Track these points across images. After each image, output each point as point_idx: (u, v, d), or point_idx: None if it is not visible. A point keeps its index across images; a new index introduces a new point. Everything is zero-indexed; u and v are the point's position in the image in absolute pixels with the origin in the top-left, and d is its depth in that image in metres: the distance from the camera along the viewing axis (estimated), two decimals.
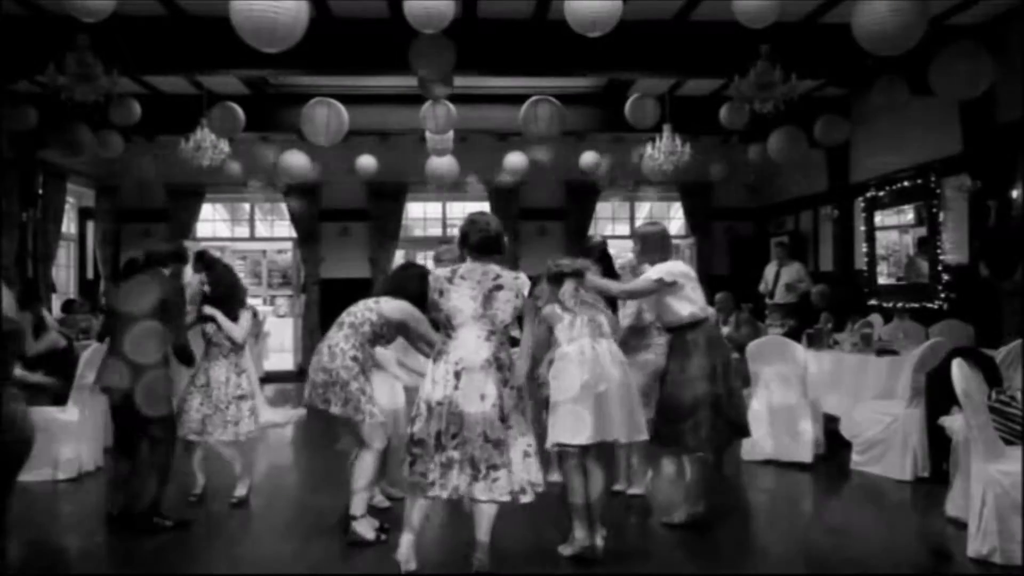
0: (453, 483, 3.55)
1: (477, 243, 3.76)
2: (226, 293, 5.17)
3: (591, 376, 3.96)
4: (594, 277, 4.34)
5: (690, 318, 4.50)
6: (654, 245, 4.68)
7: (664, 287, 4.45)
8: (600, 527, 4.06)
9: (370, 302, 4.42)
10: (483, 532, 3.70)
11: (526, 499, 3.61)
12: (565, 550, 4.07)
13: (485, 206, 12.59)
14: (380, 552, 4.23)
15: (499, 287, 3.68)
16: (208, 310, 5.07)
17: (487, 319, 3.66)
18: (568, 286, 4.18)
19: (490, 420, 3.55)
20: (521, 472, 3.61)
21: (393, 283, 4.60)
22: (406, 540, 3.78)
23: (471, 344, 3.63)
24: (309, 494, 5.52)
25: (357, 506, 4.32)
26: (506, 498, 3.58)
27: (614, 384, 4.01)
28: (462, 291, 3.68)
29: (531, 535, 4.43)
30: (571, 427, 3.94)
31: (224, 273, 5.34)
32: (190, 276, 5.76)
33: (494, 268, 3.73)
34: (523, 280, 3.78)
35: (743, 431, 4.74)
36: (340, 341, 4.27)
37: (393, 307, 4.36)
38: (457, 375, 3.59)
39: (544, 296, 4.24)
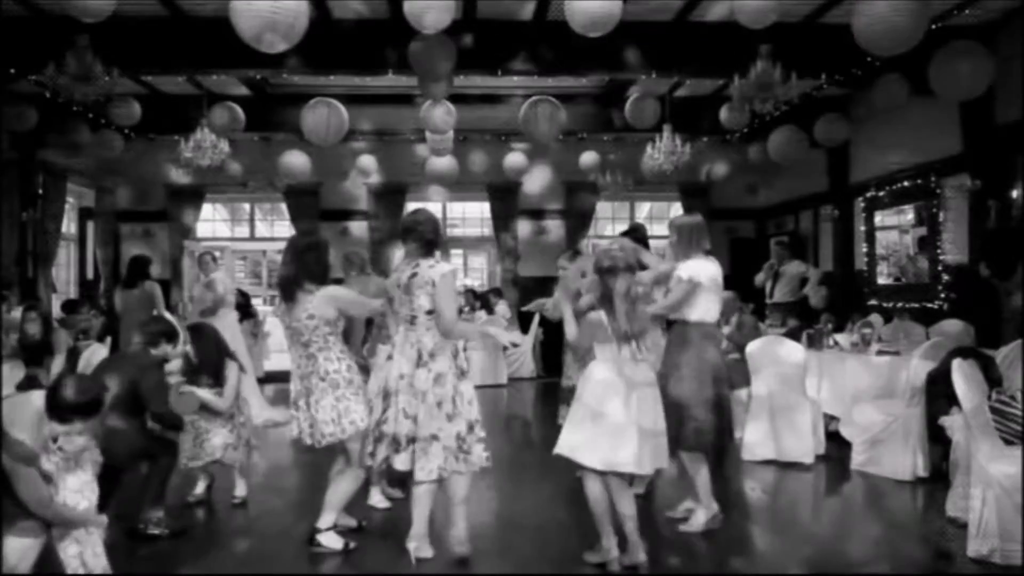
0: (381, 454, 3.96)
1: (414, 248, 4.06)
2: (215, 363, 5.08)
3: (619, 403, 3.81)
4: (643, 275, 4.35)
5: (697, 320, 4.51)
6: (687, 237, 4.64)
7: (693, 289, 4.46)
8: (642, 541, 3.94)
9: (300, 314, 4.13)
10: (458, 530, 4.03)
11: (419, 476, 3.89)
12: (591, 557, 4.01)
13: (485, 206, 12.61)
14: (382, 551, 4.24)
15: (414, 275, 3.96)
16: (186, 390, 4.92)
17: (407, 306, 3.97)
18: (621, 283, 3.90)
19: (407, 397, 3.90)
20: (431, 453, 3.86)
21: (300, 272, 4.17)
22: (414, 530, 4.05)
23: (401, 329, 4.02)
24: (309, 494, 5.51)
25: (325, 520, 4.21)
26: (419, 475, 3.88)
27: (642, 413, 3.84)
28: (392, 282, 4.07)
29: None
30: (585, 447, 3.82)
31: (209, 343, 5.15)
32: (192, 283, 5.65)
33: (416, 259, 4.03)
34: (438, 269, 3.96)
35: (726, 437, 4.69)
36: (308, 366, 4.16)
37: (320, 303, 4.10)
38: (389, 357, 4.03)
39: (593, 290, 4.02)
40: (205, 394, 4.98)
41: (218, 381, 5.05)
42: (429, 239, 4.05)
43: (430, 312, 3.92)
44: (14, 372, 5.98)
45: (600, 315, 3.95)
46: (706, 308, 4.51)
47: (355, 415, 4.10)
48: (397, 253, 12.77)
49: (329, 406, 4.09)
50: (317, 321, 4.12)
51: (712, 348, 4.54)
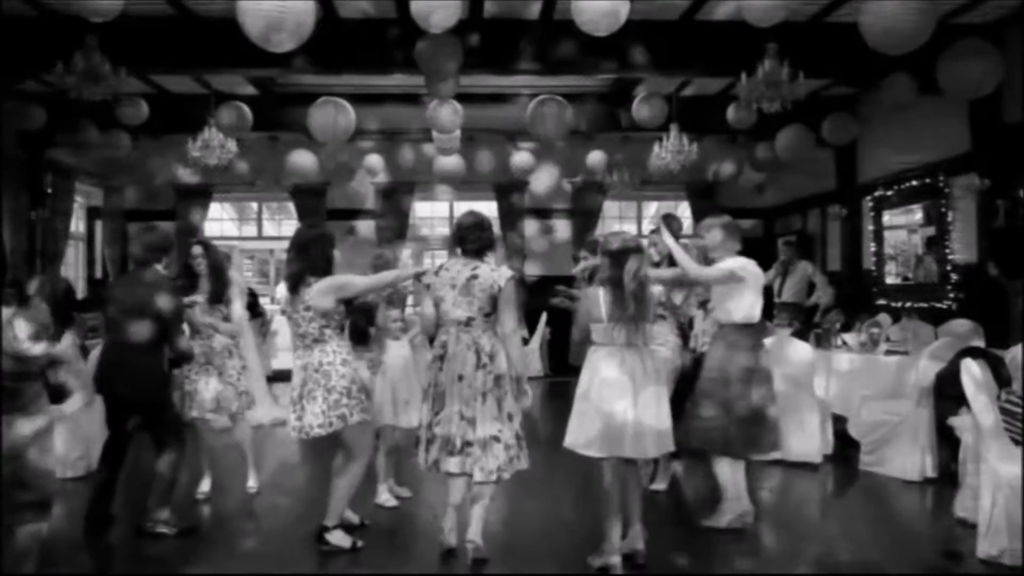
0: (433, 456, 3.94)
1: (475, 250, 4.05)
2: (221, 282, 5.11)
3: (618, 388, 3.80)
4: (671, 242, 4.55)
5: (742, 320, 4.51)
6: (731, 236, 4.71)
7: (733, 280, 4.47)
8: (642, 529, 3.95)
9: (299, 305, 4.16)
10: (474, 532, 3.98)
11: (479, 477, 3.88)
12: (595, 561, 3.94)
13: (492, 205, 12.60)
14: (390, 550, 4.24)
15: (475, 277, 3.95)
16: (205, 315, 4.99)
17: (463, 308, 3.94)
18: (632, 263, 3.88)
19: (465, 399, 3.88)
20: (491, 454, 3.86)
21: (304, 266, 4.17)
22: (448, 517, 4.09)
23: (452, 330, 3.97)
24: (317, 491, 5.51)
25: (332, 517, 4.20)
26: (478, 476, 3.87)
27: (643, 399, 3.81)
28: (444, 282, 4.00)
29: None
30: (585, 435, 3.84)
31: (220, 262, 5.19)
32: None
33: (474, 262, 4.03)
34: (503, 273, 3.99)
35: (765, 445, 4.64)
36: (304, 357, 4.16)
37: (316, 295, 4.08)
38: (441, 358, 3.96)
39: (603, 272, 4.00)
40: (219, 323, 5.03)
41: (219, 300, 5.08)
42: (489, 242, 4.11)
43: (488, 315, 3.94)
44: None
45: (598, 291, 3.94)
46: (749, 307, 4.52)
47: (344, 410, 4.08)
48: (404, 252, 12.77)
49: (320, 398, 4.08)
50: (313, 313, 4.12)
51: (737, 353, 4.48)
